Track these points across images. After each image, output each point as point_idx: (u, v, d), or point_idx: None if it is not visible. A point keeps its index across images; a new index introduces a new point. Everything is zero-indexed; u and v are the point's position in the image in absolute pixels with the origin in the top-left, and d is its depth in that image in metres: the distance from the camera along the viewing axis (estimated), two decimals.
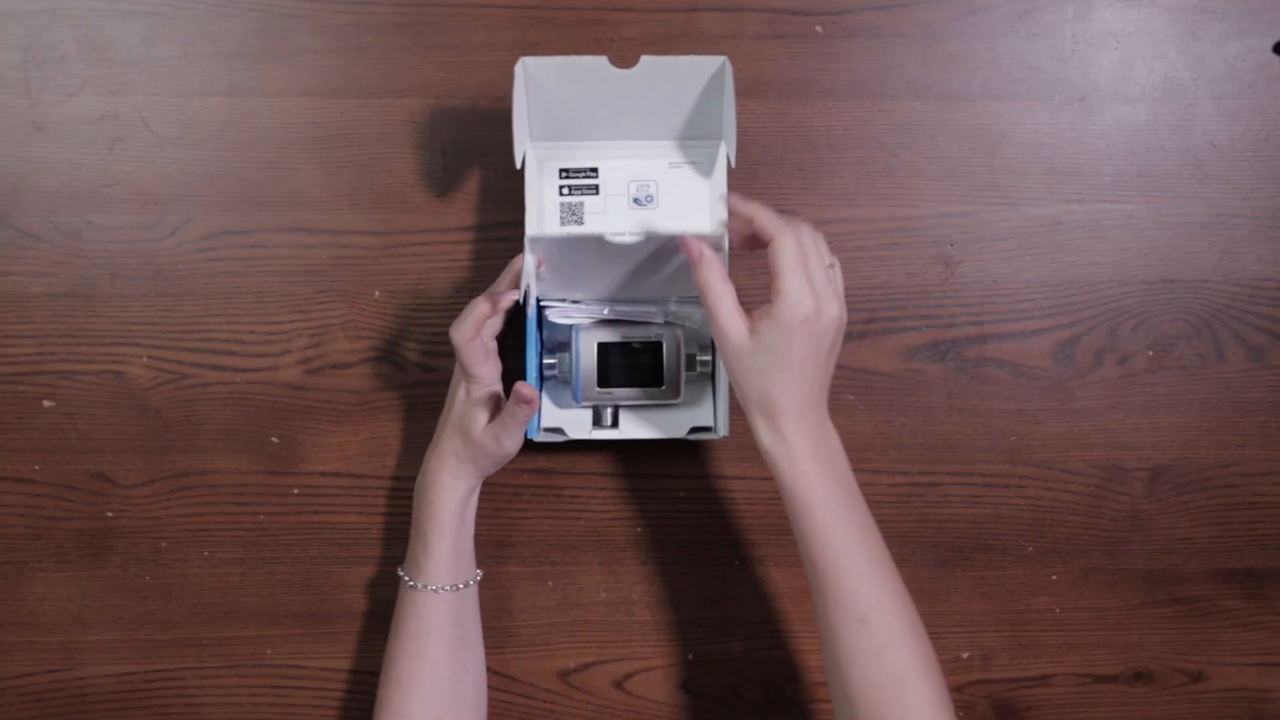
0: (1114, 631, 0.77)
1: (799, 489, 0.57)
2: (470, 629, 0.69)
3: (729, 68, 0.62)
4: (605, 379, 0.67)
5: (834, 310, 0.56)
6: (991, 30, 0.75)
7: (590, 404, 0.69)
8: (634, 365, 0.67)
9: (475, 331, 0.64)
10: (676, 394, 0.68)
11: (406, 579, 0.67)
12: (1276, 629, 0.77)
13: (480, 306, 0.64)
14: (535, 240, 0.63)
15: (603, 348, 0.67)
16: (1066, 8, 0.75)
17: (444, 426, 0.67)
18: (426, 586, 0.66)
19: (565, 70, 0.64)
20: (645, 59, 0.63)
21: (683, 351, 0.68)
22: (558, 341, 0.70)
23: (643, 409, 0.70)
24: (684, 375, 0.68)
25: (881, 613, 0.56)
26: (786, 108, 0.74)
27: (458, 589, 0.67)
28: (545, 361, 0.68)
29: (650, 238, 0.61)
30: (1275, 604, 0.77)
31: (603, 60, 0.63)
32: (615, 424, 0.70)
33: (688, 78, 0.64)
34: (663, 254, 0.63)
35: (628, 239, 0.60)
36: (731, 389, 0.64)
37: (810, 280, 0.55)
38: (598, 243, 0.62)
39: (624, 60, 0.64)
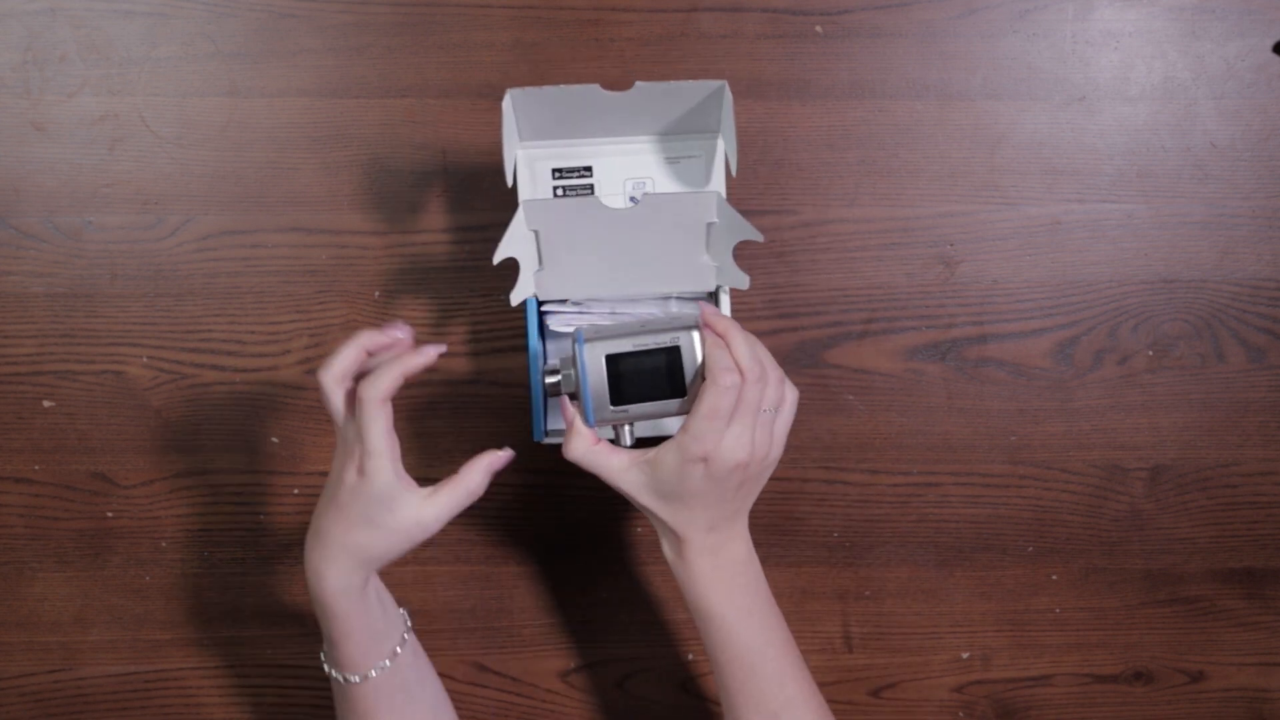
0: (1114, 631, 0.77)
1: (701, 604, 0.59)
2: (414, 685, 0.62)
3: (728, 92, 0.61)
4: (619, 395, 0.58)
5: (738, 457, 0.56)
6: (991, 30, 0.75)
7: (605, 424, 0.59)
8: (650, 375, 0.58)
9: (349, 375, 0.56)
10: None
11: (333, 674, 0.60)
12: (1276, 629, 0.77)
13: (351, 351, 0.56)
14: (531, 204, 0.61)
15: (612, 360, 0.58)
16: (1066, 8, 0.75)
17: (331, 513, 0.57)
18: (352, 679, 0.59)
19: (555, 98, 0.62)
20: (640, 85, 0.61)
21: (703, 352, 0.58)
22: (561, 356, 0.63)
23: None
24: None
25: (792, 709, 0.59)
26: (786, 108, 0.74)
27: (384, 668, 0.59)
28: (546, 381, 0.60)
29: (646, 201, 0.60)
30: (1275, 604, 0.77)
31: (594, 88, 0.61)
32: (636, 443, 0.61)
33: (685, 96, 0.63)
34: (659, 227, 0.62)
35: (622, 203, 0.59)
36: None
37: (721, 425, 0.55)
38: (594, 213, 0.60)
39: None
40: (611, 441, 0.61)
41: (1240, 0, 0.75)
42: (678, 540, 0.59)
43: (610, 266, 0.66)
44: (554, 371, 0.60)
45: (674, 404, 0.59)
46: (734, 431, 0.56)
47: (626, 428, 0.60)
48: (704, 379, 0.56)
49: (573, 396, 0.60)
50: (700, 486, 0.57)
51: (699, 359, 0.58)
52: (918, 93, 0.75)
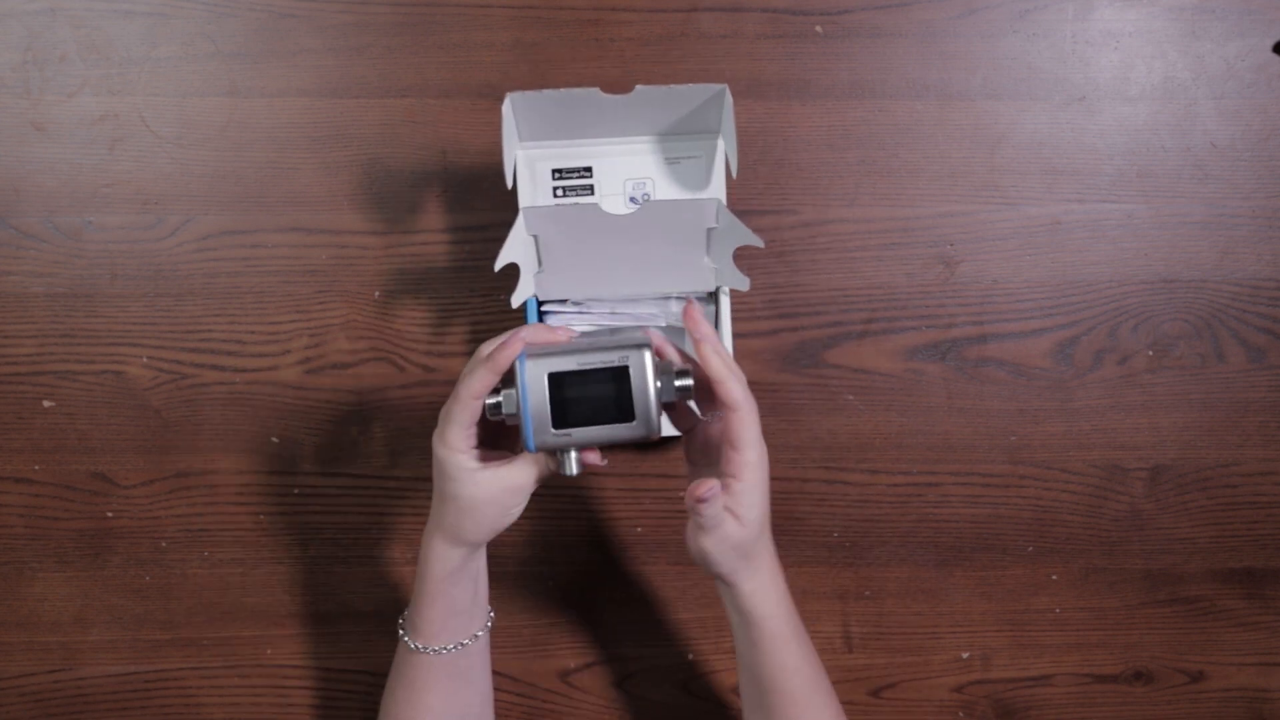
0: (1114, 631, 0.77)
1: (772, 625, 0.59)
2: (473, 675, 0.64)
3: (729, 96, 0.61)
4: (562, 418, 0.54)
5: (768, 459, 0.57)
6: (991, 30, 0.75)
7: (545, 449, 0.55)
8: (597, 397, 0.54)
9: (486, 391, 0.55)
10: (650, 428, 0.54)
11: (403, 635, 0.63)
12: (1276, 629, 0.77)
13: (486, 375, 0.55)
14: (530, 211, 0.61)
15: (555, 379, 0.54)
16: (1066, 8, 0.75)
17: (440, 498, 0.59)
18: (420, 648, 0.61)
19: (555, 101, 0.61)
20: (640, 88, 0.61)
21: (654, 375, 0.54)
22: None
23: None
24: (656, 404, 0.54)
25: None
26: (786, 108, 0.74)
27: (450, 650, 0.62)
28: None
29: (646, 208, 0.60)
30: (1275, 604, 0.77)
31: (594, 91, 0.61)
32: (579, 470, 0.56)
33: (685, 99, 0.63)
34: (659, 232, 0.62)
35: (622, 204, 0.59)
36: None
37: (763, 494, 0.57)
38: (593, 219, 0.60)
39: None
40: (556, 470, 0.56)
41: (1240, 0, 0.75)
42: (758, 566, 0.58)
43: (610, 269, 0.65)
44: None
45: (622, 429, 0.54)
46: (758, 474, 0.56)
47: (571, 454, 0.55)
48: (731, 447, 0.55)
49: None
50: (766, 505, 0.57)
51: (649, 381, 0.54)
52: (918, 93, 0.75)
